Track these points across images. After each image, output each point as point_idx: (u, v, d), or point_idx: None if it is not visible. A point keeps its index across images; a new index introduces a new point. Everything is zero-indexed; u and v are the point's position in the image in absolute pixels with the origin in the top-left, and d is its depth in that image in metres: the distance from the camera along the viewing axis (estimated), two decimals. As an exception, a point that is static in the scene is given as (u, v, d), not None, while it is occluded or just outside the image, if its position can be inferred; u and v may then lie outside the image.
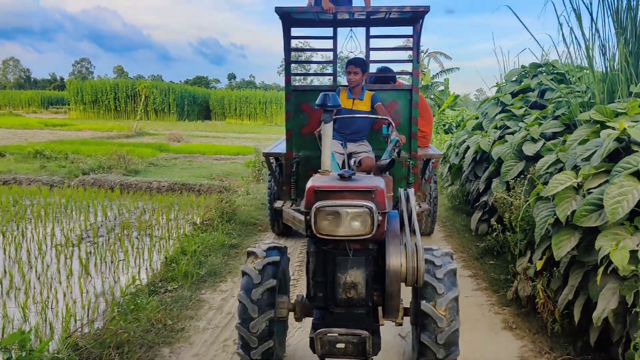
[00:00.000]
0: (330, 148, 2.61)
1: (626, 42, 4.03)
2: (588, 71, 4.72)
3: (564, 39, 4.83)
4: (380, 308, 2.52)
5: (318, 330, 2.35)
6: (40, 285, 4.15)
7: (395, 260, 2.31)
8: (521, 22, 4.78)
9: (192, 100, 34.94)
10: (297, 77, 5.79)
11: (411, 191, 2.92)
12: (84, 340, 2.74)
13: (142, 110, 23.18)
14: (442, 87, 24.36)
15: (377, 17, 4.95)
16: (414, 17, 4.77)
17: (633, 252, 2.38)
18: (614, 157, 2.85)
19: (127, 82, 32.79)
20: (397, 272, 2.31)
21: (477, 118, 6.73)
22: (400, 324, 2.63)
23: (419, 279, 2.31)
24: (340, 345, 2.33)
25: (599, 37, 4.35)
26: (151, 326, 3.07)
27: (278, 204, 5.07)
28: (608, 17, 4.24)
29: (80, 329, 2.89)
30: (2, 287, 4.07)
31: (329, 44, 5.38)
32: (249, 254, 2.66)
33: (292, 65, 5.14)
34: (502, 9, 4.88)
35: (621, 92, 3.88)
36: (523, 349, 3.06)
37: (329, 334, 2.33)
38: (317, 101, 2.57)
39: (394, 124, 4.36)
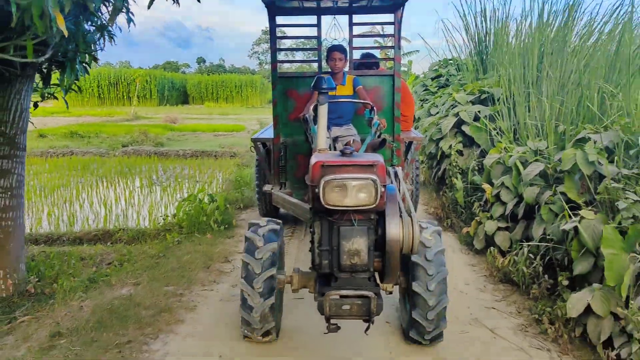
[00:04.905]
0: (325, 129, 2.90)
1: (476, 46, 7.95)
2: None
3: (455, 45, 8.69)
4: (377, 274, 2.83)
5: (328, 292, 2.66)
6: (149, 204, 7.63)
7: (395, 228, 2.57)
8: (424, 40, 8.60)
9: (171, 86, 38.08)
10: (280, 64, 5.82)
11: (399, 169, 3.38)
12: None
13: (136, 97, 26.43)
14: (405, 69, 28.33)
15: (359, 5, 5.14)
16: (395, 5, 4.95)
17: (450, 146, 6.24)
18: (451, 108, 6.72)
19: (109, 70, 35.74)
20: (397, 240, 2.56)
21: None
22: (391, 292, 2.97)
23: (414, 247, 2.60)
24: (346, 307, 2.65)
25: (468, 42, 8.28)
26: (248, 196, 6.85)
27: (267, 187, 5.37)
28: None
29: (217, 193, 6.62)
30: (127, 204, 7.52)
31: (313, 31, 5.56)
32: (251, 224, 3.07)
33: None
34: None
35: (474, 77, 7.79)
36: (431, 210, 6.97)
37: (339, 296, 2.65)
38: (313, 84, 2.82)
39: (375, 108, 4.49)
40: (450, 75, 9.56)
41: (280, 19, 5.27)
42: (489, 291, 4.09)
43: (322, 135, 2.86)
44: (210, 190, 7.97)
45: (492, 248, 4.45)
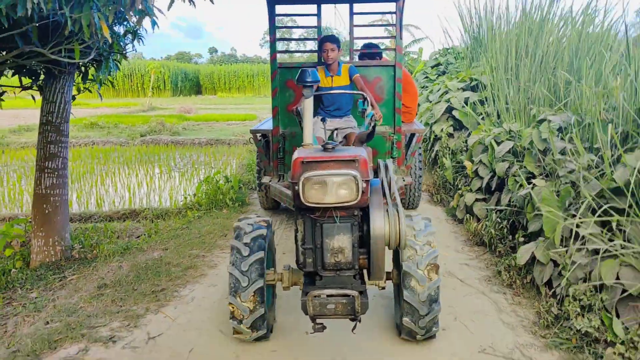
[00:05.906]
0: (312, 123, 2.85)
1: (472, 38, 8.60)
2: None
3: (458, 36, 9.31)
4: (364, 271, 2.80)
5: (310, 292, 2.63)
6: (170, 188, 8.50)
7: (379, 224, 2.53)
8: (425, 34, 9.26)
9: (184, 77, 38.95)
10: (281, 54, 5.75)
11: (389, 161, 3.34)
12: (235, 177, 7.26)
13: (150, 88, 27.35)
14: (415, 56, 28.93)
15: None
16: None
17: (442, 129, 6.93)
18: (444, 94, 7.39)
19: (123, 62, 36.66)
20: (381, 236, 2.53)
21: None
22: (383, 288, 2.90)
23: (401, 242, 2.56)
24: (331, 306, 2.61)
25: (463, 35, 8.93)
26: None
27: (265, 179, 5.35)
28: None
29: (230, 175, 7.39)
30: (149, 188, 8.39)
31: (313, 21, 5.50)
32: (236, 228, 2.92)
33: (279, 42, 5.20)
34: None
35: (468, 66, 8.44)
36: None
37: (321, 295, 2.62)
38: (297, 77, 2.77)
39: (370, 98, 4.35)
40: (448, 64, 10.21)
41: (280, 9, 5.21)
42: (465, 252, 4.81)
43: (308, 129, 2.87)
44: (226, 174, 8.78)
45: (468, 215, 5.16)
